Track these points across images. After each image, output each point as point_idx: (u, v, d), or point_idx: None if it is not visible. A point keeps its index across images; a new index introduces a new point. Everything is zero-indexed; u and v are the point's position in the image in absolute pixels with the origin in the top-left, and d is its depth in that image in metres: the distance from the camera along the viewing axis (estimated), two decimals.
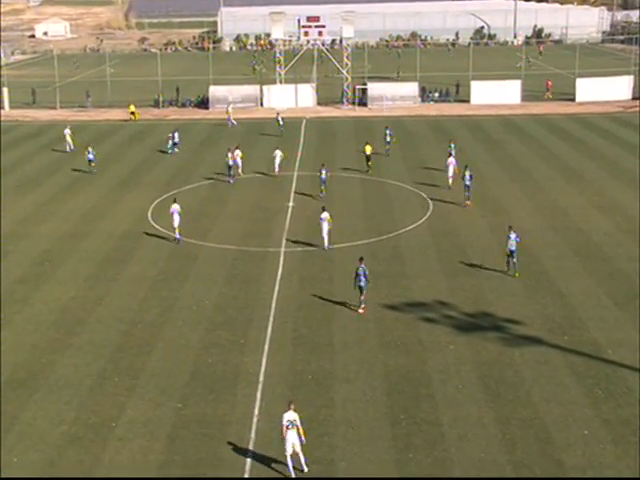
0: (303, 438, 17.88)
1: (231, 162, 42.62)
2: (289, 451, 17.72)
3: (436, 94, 70.14)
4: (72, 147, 51.15)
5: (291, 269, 30.13)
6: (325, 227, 31.58)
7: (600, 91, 67.00)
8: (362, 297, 26.19)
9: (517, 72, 72.01)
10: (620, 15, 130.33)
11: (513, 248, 28.59)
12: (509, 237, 28.72)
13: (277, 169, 43.79)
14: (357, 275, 25.92)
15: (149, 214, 37.34)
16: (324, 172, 39.17)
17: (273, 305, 26.85)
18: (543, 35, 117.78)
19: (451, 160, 40.54)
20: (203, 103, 68.70)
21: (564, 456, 18.41)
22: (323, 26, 67.09)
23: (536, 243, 32.41)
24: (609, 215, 36.03)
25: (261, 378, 21.99)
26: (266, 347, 23.85)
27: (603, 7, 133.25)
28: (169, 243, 33.16)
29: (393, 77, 76.95)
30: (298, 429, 17.72)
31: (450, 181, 40.30)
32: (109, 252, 32.43)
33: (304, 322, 25.58)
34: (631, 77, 68.59)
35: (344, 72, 67.52)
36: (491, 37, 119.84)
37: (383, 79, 73.92)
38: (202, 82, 71.96)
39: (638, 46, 76.42)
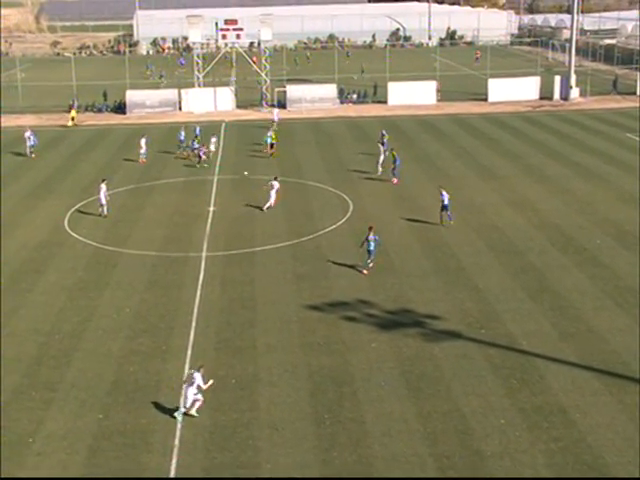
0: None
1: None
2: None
3: (354, 95, 70.96)
4: None
5: (213, 273, 29.99)
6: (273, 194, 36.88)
7: (510, 91, 69.26)
8: (369, 260, 29.30)
9: (432, 73, 73.59)
10: (527, 19, 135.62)
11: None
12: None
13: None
14: (367, 241, 28.98)
15: (66, 222, 36.46)
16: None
17: (195, 310, 26.66)
18: (456, 37, 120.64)
19: (381, 149, 43.66)
20: (120, 108, 67.52)
21: (482, 445, 18.96)
22: (241, 29, 66.96)
23: (453, 240, 33.24)
24: (521, 211, 37.27)
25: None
26: (189, 353, 23.66)
27: (511, 11, 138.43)
28: (87, 251, 32.48)
29: (311, 79, 77.40)
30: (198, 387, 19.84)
31: (379, 168, 42.99)
32: (23, 262, 31.52)
33: (227, 326, 25.51)
34: (538, 78, 71.11)
35: (263, 75, 67.54)
36: (407, 39, 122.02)
37: (302, 81, 74.29)
38: (119, 87, 70.70)
39: (543, 48, 79.58)
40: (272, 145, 48.58)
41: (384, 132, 48.70)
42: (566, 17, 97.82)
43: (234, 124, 61.49)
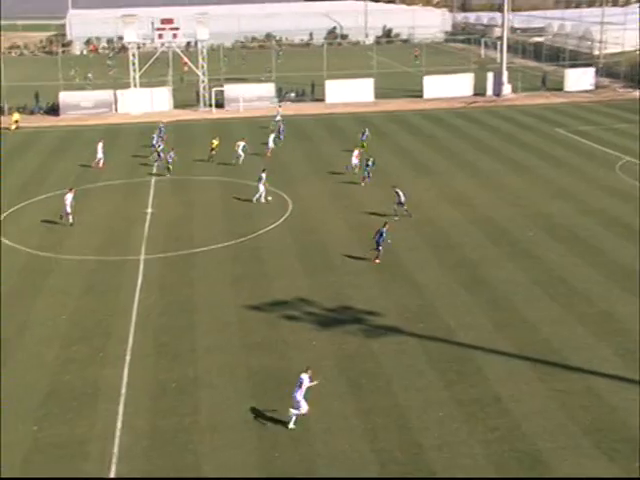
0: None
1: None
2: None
3: (292, 94, 71.00)
4: None
5: (151, 277, 29.68)
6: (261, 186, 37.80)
7: (445, 88, 70.40)
8: (379, 251, 30.40)
9: (370, 71, 74.17)
10: (460, 17, 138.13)
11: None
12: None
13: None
14: (380, 234, 30.20)
15: None
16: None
17: (134, 315, 26.35)
18: (392, 35, 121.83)
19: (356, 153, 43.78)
20: (53, 110, 66.04)
21: (422, 438, 19.30)
22: (177, 28, 66.30)
23: (391, 236, 33.54)
24: (456, 205, 37.95)
25: (123, 391, 21.53)
26: (127, 358, 23.38)
27: (445, 9, 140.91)
28: (21, 257, 31.74)
29: (249, 78, 77.12)
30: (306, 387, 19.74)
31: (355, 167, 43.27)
32: None
33: (166, 330, 25.29)
34: (472, 75, 72.45)
35: (200, 74, 67.00)
36: (344, 37, 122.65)
37: (240, 80, 73.95)
38: (51, 88, 69.11)
39: (476, 46, 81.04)
40: (212, 149, 47.60)
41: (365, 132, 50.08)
42: (497, 15, 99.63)
43: (172, 124, 60.81)
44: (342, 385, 21.81)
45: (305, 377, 19.94)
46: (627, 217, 35.61)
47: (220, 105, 67.10)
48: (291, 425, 19.77)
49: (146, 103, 66.12)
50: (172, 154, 44.83)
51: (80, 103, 65.18)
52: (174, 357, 23.48)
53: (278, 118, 56.38)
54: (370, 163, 41.87)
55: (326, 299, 27.44)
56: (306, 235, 34.13)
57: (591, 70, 75.16)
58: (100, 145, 46.84)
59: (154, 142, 48.86)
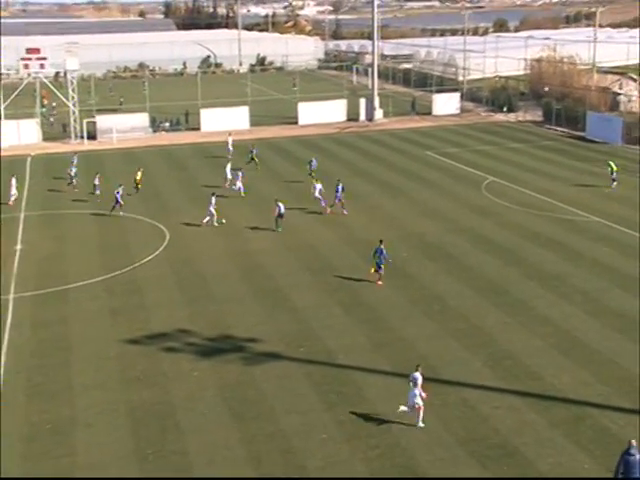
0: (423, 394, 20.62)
1: None
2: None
3: (167, 124, 70.38)
4: None
5: (22, 315, 28.49)
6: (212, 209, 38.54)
7: (320, 114, 71.94)
8: (380, 272, 30.60)
9: (245, 98, 74.68)
10: (332, 44, 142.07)
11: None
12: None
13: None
14: (380, 252, 30.37)
15: None
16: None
17: (2, 356, 25.18)
18: (266, 63, 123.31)
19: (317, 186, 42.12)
20: None
21: (306, 462, 19.48)
22: (45, 58, 64.36)
23: (269, 262, 33.93)
24: (333, 228, 38.75)
25: None
26: None
27: (317, 37, 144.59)
28: None
29: (121, 108, 75.82)
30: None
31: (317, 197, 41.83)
32: None
33: (39, 370, 24.33)
34: (345, 100, 74.44)
35: (70, 105, 65.25)
36: (218, 65, 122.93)
37: (111, 111, 72.57)
38: None
39: (348, 72, 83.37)
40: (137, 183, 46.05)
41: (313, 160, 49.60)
42: (368, 43, 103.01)
43: (41, 157, 58.83)
44: (225, 414, 21.71)
45: (418, 376, 21.00)
46: (492, 234, 37.55)
47: (92, 137, 65.54)
48: (420, 424, 20.81)
49: (12, 136, 63.58)
50: (121, 190, 41.59)
51: None
52: (49, 397, 22.61)
53: (230, 148, 55.61)
54: (339, 188, 40.94)
55: (206, 328, 27.28)
56: (184, 265, 33.83)
57: (456, 95, 78.98)
58: (14, 180, 44.78)
59: (72, 173, 47.57)
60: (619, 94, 69.97)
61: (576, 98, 69.32)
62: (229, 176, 46.93)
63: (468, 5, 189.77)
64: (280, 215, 37.58)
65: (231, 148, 55.86)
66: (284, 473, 19.03)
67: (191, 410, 21.91)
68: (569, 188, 46.47)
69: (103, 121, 66.39)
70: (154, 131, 68.20)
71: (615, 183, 46.09)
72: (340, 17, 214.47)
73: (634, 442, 17.16)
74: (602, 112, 65.17)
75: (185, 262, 34.21)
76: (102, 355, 25.31)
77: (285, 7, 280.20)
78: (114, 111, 72.64)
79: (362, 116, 73.55)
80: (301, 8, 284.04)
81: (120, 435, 20.71)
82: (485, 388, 22.77)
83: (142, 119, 68.02)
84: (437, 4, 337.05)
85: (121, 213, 41.14)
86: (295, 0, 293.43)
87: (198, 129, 68.73)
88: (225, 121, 68.58)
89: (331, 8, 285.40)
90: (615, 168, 46.24)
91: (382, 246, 30.66)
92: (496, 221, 39.74)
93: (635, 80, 72.10)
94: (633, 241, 36.16)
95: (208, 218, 39.01)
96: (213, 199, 39.04)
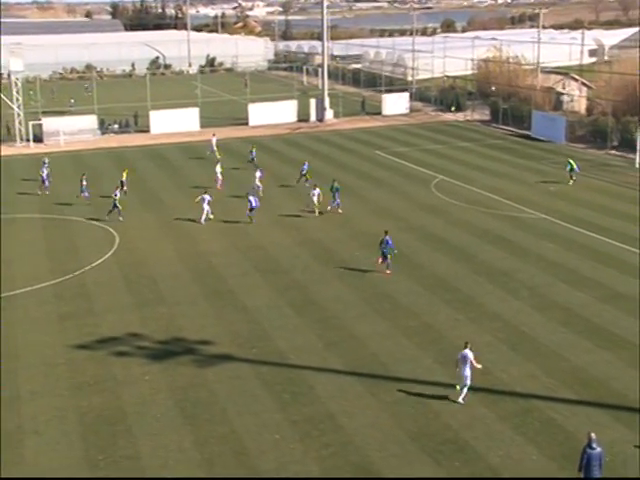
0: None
1: None
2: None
3: (115, 126, 69.49)
4: None
5: None
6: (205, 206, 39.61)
7: (270, 115, 71.89)
8: (388, 262, 31.54)
9: (194, 100, 74.15)
10: (282, 45, 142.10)
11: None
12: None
13: None
14: (386, 242, 31.25)
15: None
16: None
17: None
18: (216, 64, 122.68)
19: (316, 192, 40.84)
20: None
21: (259, 462, 19.46)
22: None
23: (220, 263, 33.79)
24: (285, 229, 38.76)
25: None
26: None
27: (267, 38, 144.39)
28: None
29: (70, 111, 74.62)
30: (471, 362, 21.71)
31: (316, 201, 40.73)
32: None
33: None
34: (295, 101, 74.53)
35: (15, 107, 63.90)
36: (167, 67, 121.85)
37: (58, 113, 71.36)
38: None
39: (298, 73, 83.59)
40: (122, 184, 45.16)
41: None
42: (317, 43, 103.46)
43: None
44: (177, 417, 21.56)
45: (468, 352, 21.76)
46: (441, 232, 38.04)
47: (39, 139, 64.31)
48: (460, 400, 21.79)
49: None
50: (117, 193, 41.16)
51: None
52: None
53: (214, 148, 55.22)
54: (336, 187, 41.25)
55: (157, 331, 27.05)
56: (134, 268, 33.48)
57: (406, 95, 79.74)
58: None
59: (44, 174, 46.62)
60: (562, 94, 71.50)
61: (522, 98, 70.68)
62: (220, 177, 47.02)
63: (416, 6, 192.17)
64: (251, 209, 39.06)
65: (215, 148, 55.46)
66: (235, 474, 18.99)
67: (143, 414, 21.71)
68: (516, 186, 47.37)
69: (50, 123, 65.20)
70: (103, 133, 67.26)
71: (572, 181, 47.13)
72: (290, 18, 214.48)
73: (594, 435, 17.42)
74: (546, 111, 66.54)
75: (135, 265, 33.85)
76: (51, 361, 24.89)
77: (234, 8, 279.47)
78: (62, 113, 71.42)
79: (313, 116, 73.72)
80: (250, 9, 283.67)
81: (70, 442, 20.40)
82: (436, 384, 23.04)
83: (90, 121, 67.01)
84: (385, 5, 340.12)
85: (120, 218, 40.31)
86: (244, 1, 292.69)
87: (147, 131, 68.01)
88: (175, 122, 68.10)
89: (280, 9, 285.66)
90: (574, 166, 47.25)
91: (387, 236, 31.64)
92: (446, 219, 40.27)
93: (577, 80, 73.72)
94: (577, 237, 37.04)
95: (205, 216, 39.77)
96: (207, 196, 39.85)
